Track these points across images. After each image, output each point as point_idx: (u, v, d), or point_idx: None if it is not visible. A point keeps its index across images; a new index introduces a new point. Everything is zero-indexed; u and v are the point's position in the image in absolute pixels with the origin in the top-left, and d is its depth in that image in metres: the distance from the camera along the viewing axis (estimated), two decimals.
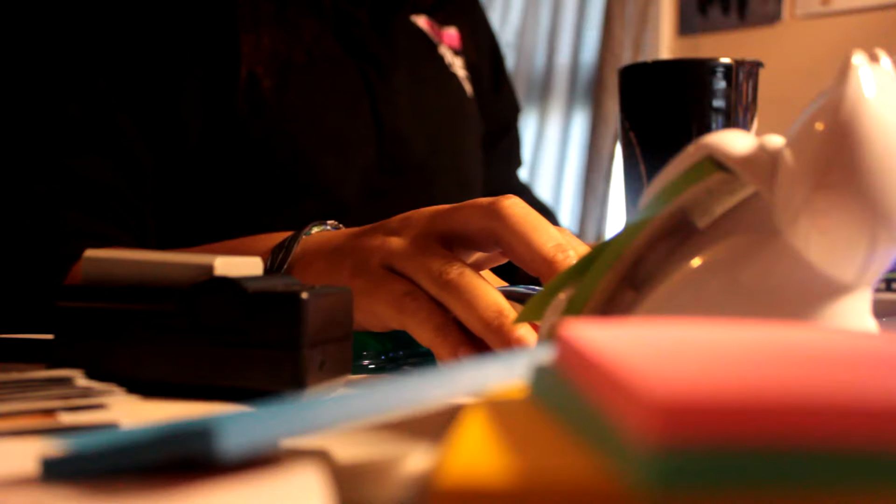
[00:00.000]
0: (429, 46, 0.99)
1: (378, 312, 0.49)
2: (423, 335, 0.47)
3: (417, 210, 0.51)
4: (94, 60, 0.80)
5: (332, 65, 0.88)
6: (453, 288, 0.46)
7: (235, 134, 0.82)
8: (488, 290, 0.46)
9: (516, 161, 1.14)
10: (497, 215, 0.47)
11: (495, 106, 1.09)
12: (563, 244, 0.47)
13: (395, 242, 0.49)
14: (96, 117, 0.78)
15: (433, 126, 0.95)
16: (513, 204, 0.48)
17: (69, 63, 0.79)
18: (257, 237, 0.60)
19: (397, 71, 0.92)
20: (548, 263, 0.46)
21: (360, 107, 0.88)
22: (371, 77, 0.89)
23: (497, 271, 0.68)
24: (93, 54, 0.80)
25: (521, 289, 0.51)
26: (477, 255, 0.52)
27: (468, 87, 1.02)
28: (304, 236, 0.55)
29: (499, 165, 1.08)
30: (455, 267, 0.47)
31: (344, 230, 0.56)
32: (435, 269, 0.47)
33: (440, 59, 1.00)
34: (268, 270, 0.54)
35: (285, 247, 0.55)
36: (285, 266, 0.54)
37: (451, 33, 1.03)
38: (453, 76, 1.00)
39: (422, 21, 0.99)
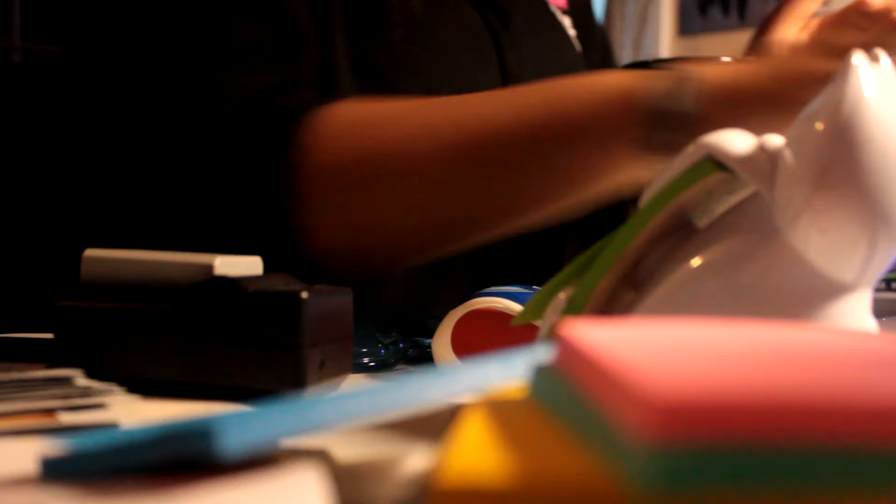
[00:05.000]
0: (540, 1, 0.92)
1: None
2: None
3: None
4: None
5: (456, 6, 0.80)
6: None
7: (369, 70, 0.69)
8: None
9: None
10: None
11: None
12: None
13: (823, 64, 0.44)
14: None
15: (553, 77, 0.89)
16: None
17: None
18: (585, 79, 0.52)
19: (518, 19, 0.85)
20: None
21: (488, 54, 0.81)
22: (494, 24, 0.82)
23: (498, 271, 0.68)
24: None
25: (518, 289, 0.51)
26: None
27: (578, 46, 0.95)
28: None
29: None
30: None
31: (753, 69, 0.48)
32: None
33: (553, 14, 0.93)
34: (663, 98, 0.47)
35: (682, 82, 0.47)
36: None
37: None
38: (566, 33, 0.94)
39: None
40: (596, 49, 1.02)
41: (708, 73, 0.47)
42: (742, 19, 2.74)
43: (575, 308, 0.35)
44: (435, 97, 0.58)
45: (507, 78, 0.81)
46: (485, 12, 0.82)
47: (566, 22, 0.96)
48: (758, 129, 0.38)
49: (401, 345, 0.52)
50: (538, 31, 0.89)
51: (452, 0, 0.80)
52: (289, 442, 0.29)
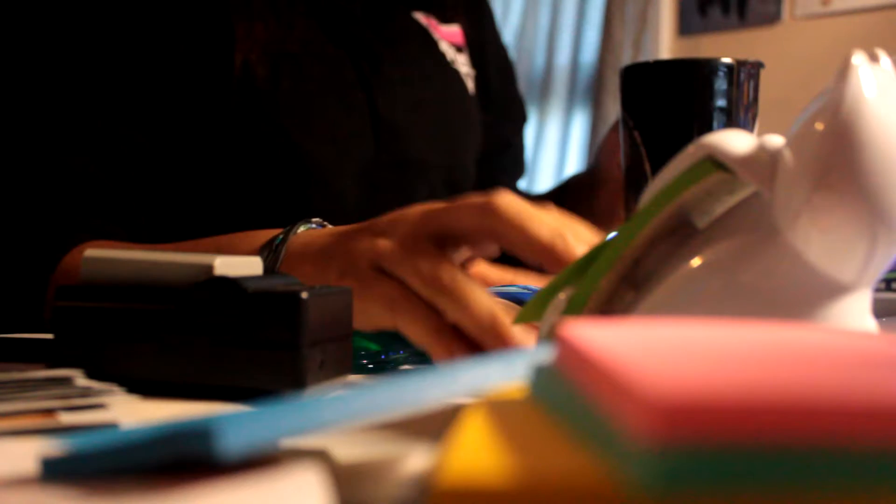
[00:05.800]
0: (428, 42, 0.98)
1: (370, 313, 0.48)
2: (419, 337, 0.47)
3: (407, 209, 0.51)
4: (84, 57, 0.79)
5: (324, 57, 0.87)
6: (446, 292, 0.46)
7: (228, 125, 0.81)
8: (481, 294, 0.46)
9: (519, 171, 1.13)
10: (492, 212, 0.47)
11: (501, 120, 1.07)
12: (559, 228, 0.46)
13: (384, 244, 0.49)
14: (84, 116, 0.78)
15: (431, 120, 0.94)
16: (506, 199, 0.48)
17: (61, 63, 0.79)
18: (244, 234, 0.59)
19: (393, 64, 0.92)
20: (548, 250, 0.46)
21: (356, 100, 0.88)
22: (365, 70, 0.89)
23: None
24: (84, 50, 0.79)
25: (516, 289, 0.51)
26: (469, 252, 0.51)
27: (470, 85, 1.01)
28: (291, 236, 0.55)
29: (501, 176, 1.06)
30: (446, 270, 0.47)
31: (330, 229, 0.55)
32: (426, 272, 0.47)
33: (441, 55, 0.99)
34: None
35: (273, 249, 0.54)
36: (276, 268, 0.53)
37: (454, 31, 1.02)
38: (455, 72, 0.99)
39: (421, 17, 0.98)
40: (496, 88, 1.08)
41: (299, 236, 0.55)
42: (742, 19, 2.74)
43: (575, 308, 0.35)
44: (161, 245, 0.69)
45: (379, 121, 0.89)
46: (358, 60, 0.89)
47: (461, 59, 1.02)
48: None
49: (400, 348, 0.52)
50: (421, 73, 0.96)
51: (326, 52, 0.87)
52: (289, 442, 0.29)
